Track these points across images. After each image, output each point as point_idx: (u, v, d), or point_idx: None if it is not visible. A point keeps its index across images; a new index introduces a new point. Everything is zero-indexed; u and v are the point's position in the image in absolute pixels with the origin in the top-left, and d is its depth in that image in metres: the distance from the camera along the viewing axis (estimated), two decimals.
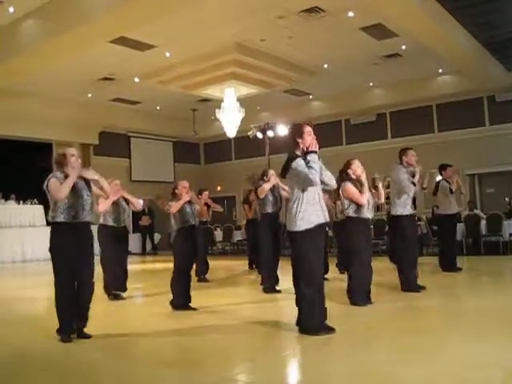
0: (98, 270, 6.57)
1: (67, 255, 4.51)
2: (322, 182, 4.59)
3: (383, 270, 8.56)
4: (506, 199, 15.33)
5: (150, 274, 11.76)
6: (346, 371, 3.55)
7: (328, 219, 4.65)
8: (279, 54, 13.47)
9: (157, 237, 18.93)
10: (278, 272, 7.39)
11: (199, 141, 22.27)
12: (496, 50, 13.30)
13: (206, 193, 9.16)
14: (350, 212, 5.89)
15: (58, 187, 4.48)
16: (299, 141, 4.55)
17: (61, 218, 4.53)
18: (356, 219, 5.88)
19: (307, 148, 4.50)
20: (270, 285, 7.23)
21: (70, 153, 4.70)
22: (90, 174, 4.81)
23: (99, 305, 6.44)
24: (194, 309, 5.99)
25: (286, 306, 5.93)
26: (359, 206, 5.85)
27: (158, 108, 18.67)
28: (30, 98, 15.28)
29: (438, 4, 10.48)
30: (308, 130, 4.56)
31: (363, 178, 5.89)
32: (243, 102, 15.01)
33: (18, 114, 15.43)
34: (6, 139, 15.92)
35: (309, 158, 4.43)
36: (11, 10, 10.68)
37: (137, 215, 16.79)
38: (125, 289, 7.14)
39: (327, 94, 17.38)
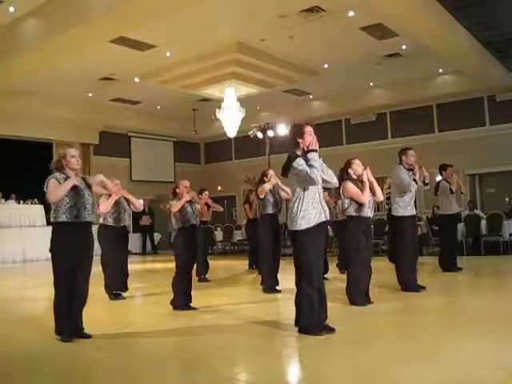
0: (99, 269, 6.61)
1: (68, 255, 4.51)
2: (324, 180, 4.59)
3: (383, 269, 8.56)
4: (506, 199, 15.35)
5: (150, 274, 11.76)
6: (345, 371, 3.55)
7: (328, 218, 4.66)
8: (279, 54, 13.47)
9: (157, 236, 18.95)
10: (279, 272, 7.39)
11: (199, 141, 22.29)
12: (496, 49, 13.29)
13: (207, 193, 9.17)
14: (351, 211, 5.89)
15: (56, 189, 4.47)
16: (300, 141, 4.55)
17: (63, 218, 4.53)
18: (357, 218, 5.88)
19: (307, 147, 4.51)
20: (269, 285, 7.23)
21: (71, 154, 4.70)
22: (95, 181, 4.85)
23: (100, 305, 6.46)
24: (195, 308, 6.00)
25: (286, 306, 5.93)
26: (360, 205, 5.85)
27: (158, 108, 18.68)
28: (30, 97, 15.29)
29: (439, 4, 10.48)
30: (308, 129, 4.56)
31: (369, 174, 5.88)
32: (243, 101, 15.01)
33: (19, 114, 15.44)
34: (6, 139, 15.93)
35: (309, 156, 4.44)
36: (11, 9, 10.70)
37: (137, 215, 16.78)
38: (125, 289, 7.15)
39: (327, 93, 17.38)
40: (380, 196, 6.03)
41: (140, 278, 10.14)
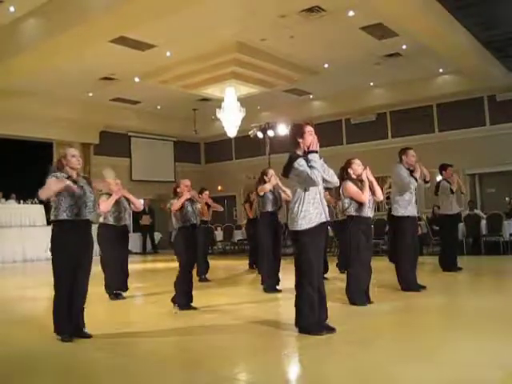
0: (98, 269, 6.61)
1: (68, 253, 4.52)
2: (325, 180, 4.59)
3: (383, 269, 8.56)
4: (507, 199, 15.34)
5: (150, 274, 11.75)
6: (346, 371, 3.56)
7: (329, 218, 4.66)
8: (280, 54, 13.47)
9: (157, 236, 18.95)
10: (280, 271, 7.39)
11: (200, 140, 22.29)
12: (496, 49, 13.28)
13: (207, 192, 9.17)
14: (351, 211, 5.89)
15: (48, 187, 4.48)
16: (300, 140, 4.55)
17: (63, 216, 4.54)
18: (357, 218, 5.88)
19: (308, 147, 4.51)
20: (270, 284, 7.24)
21: (71, 153, 4.71)
22: (98, 184, 4.87)
23: (100, 304, 6.46)
24: (195, 308, 6.00)
25: (286, 306, 5.92)
26: (360, 205, 5.85)
27: (158, 107, 18.68)
28: (31, 97, 15.29)
29: (439, 4, 10.47)
30: (309, 129, 4.55)
31: (368, 174, 5.88)
32: (244, 101, 15.01)
33: (19, 114, 15.43)
34: (7, 138, 15.93)
35: (310, 157, 4.43)
36: (12, 9, 10.70)
37: (137, 214, 16.79)
38: (126, 288, 7.15)
39: (328, 93, 17.38)
40: (380, 196, 6.03)
41: (140, 278, 10.14)
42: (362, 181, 5.88)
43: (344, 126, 18.68)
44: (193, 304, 6.06)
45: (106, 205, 6.57)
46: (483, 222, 12.10)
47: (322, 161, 4.54)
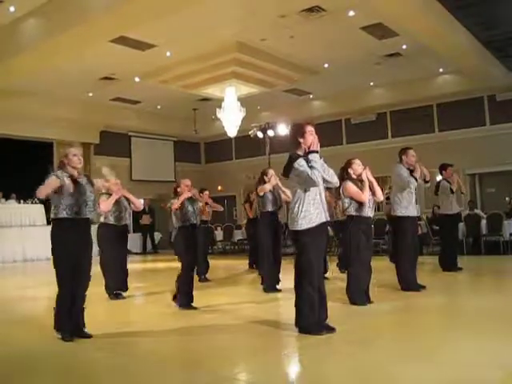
0: (98, 269, 6.61)
1: (69, 250, 4.53)
2: (325, 180, 4.58)
3: (383, 269, 8.56)
4: (507, 199, 15.34)
5: (150, 274, 11.76)
6: (346, 371, 3.56)
7: (329, 218, 4.66)
8: (280, 54, 13.46)
9: (157, 236, 18.95)
10: (280, 271, 7.39)
11: (200, 140, 22.29)
12: (496, 49, 13.28)
13: (207, 192, 9.17)
14: (352, 211, 5.90)
15: (47, 186, 4.50)
16: (301, 140, 4.54)
17: (63, 214, 4.56)
18: (357, 218, 5.88)
19: (309, 148, 4.50)
20: (270, 284, 7.24)
21: (72, 152, 4.74)
22: (98, 184, 4.90)
23: (100, 304, 6.46)
24: (195, 308, 6.00)
25: (286, 306, 5.92)
26: (360, 205, 5.86)
27: (158, 107, 18.67)
28: (31, 97, 15.28)
29: (439, 3, 10.47)
30: (310, 129, 4.54)
31: (368, 174, 5.88)
32: (244, 101, 15.00)
33: (19, 114, 15.42)
34: (7, 138, 15.92)
35: (310, 157, 4.43)
36: (12, 9, 10.69)
37: (137, 214, 16.80)
38: (126, 288, 7.16)
39: (328, 93, 17.38)
40: (380, 196, 6.03)
41: (140, 278, 10.14)
42: (362, 181, 5.88)
43: (344, 125, 18.68)
44: (193, 304, 6.06)
45: (106, 204, 6.57)
46: (483, 222, 12.11)
47: (322, 161, 4.53)
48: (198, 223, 6.38)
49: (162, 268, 12.30)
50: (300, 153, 4.54)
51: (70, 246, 4.54)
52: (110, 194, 6.62)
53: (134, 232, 17.36)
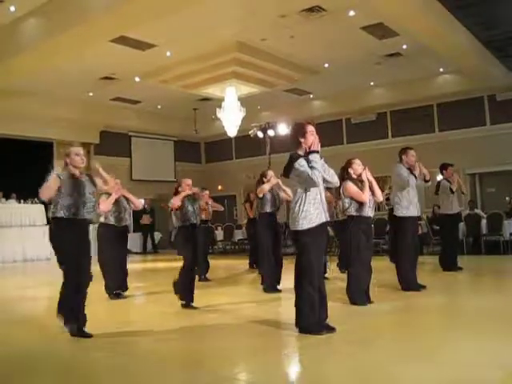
0: (98, 269, 6.61)
1: (67, 249, 4.56)
2: (325, 180, 4.58)
3: (383, 269, 8.56)
4: (507, 199, 15.33)
5: (150, 273, 11.76)
6: (346, 370, 3.56)
7: (329, 218, 4.65)
8: (280, 54, 13.46)
9: (157, 236, 18.95)
10: (281, 271, 7.39)
11: (200, 140, 22.28)
12: (496, 49, 13.28)
13: (207, 192, 9.17)
14: (352, 211, 5.89)
15: (49, 187, 4.52)
16: (302, 140, 4.52)
17: (61, 214, 4.58)
18: (358, 217, 5.88)
19: (309, 147, 4.49)
20: (270, 284, 7.24)
21: (75, 152, 4.74)
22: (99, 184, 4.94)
23: (100, 304, 6.46)
24: (195, 308, 6.00)
25: (286, 306, 5.93)
26: (361, 205, 5.85)
27: (158, 107, 18.67)
28: (31, 97, 15.28)
29: (439, 3, 10.47)
30: (310, 129, 4.53)
31: (368, 174, 5.88)
32: (244, 101, 15.00)
33: (19, 114, 15.42)
34: (7, 138, 15.91)
35: (311, 157, 4.42)
36: (12, 8, 10.69)
37: (137, 214, 16.79)
38: (125, 288, 7.16)
39: (328, 93, 17.37)
40: (379, 196, 6.03)
41: (140, 278, 10.14)
42: (362, 181, 5.88)
43: (344, 125, 18.68)
44: (193, 304, 6.06)
45: (105, 204, 6.59)
46: (483, 222, 12.11)
47: (323, 161, 4.52)
48: (198, 223, 6.38)
49: (162, 268, 12.30)
50: (301, 153, 4.52)
51: (68, 244, 4.56)
52: (110, 194, 6.63)
53: (134, 232, 17.35)
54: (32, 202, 15.49)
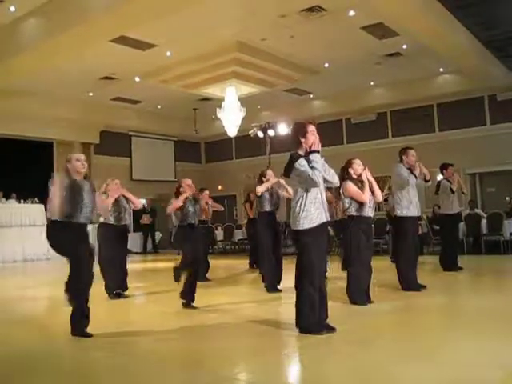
0: (97, 269, 6.60)
1: (68, 245, 4.60)
2: (325, 180, 4.57)
3: (384, 269, 8.56)
4: (507, 198, 15.33)
5: (151, 273, 11.76)
6: (346, 370, 3.55)
7: (329, 218, 4.65)
8: (280, 54, 13.46)
9: (158, 236, 18.94)
10: (281, 270, 7.39)
11: (200, 140, 22.29)
12: (496, 49, 13.28)
13: (207, 192, 9.17)
14: (352, 210, 5.89)
15: (55, 196, 4.54)
16: (302, 140, 4.51)
17: (55, 217, 4.58)
18: (358, 217, 5.88)
19: (310, 147, 4.48)
20: (270, 283, 7.24)
21: (76, 157, 4.75)
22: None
23: (100, 304, 6.45)
24: (195, 308, 6.00)
25: (286, 306, 5.93)
26: (361, 205, 5.85)
27: (158, 107, 18.67)
28: (31, 97, 15.28)
29: (439, 3, 10.47)
30: (311, 129, 4.52)
31: (368, 174, 5.88)
32: (244, 101, 15.00)
33: (19, 114, 15.42)
34: (7, 138, 15.92)
35: (311, 157, 4.41)
36: (12, 8, 10.69)
37: (137, 214, 16.79)
38: (125, 288, 7.15)
39: (328, 93, 17.38)
40: (379, 196, 6.03)
41: (140, 278, 10.14)
42: (362, 181, 5.87)
43: (344, 125, 18.68)
44: (193, 303, 6.06)
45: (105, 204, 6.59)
46: (484, 222, 12.11)
47: (324, 160, 4.52)
48: (197, 223, 6.39)
49: (163, 268, 12.28)
50: (301, 152, 4.51)
51: (66, 244, 4.61)
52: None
53: (134, 231, 17.35)
54: (32, 202, 15.50)
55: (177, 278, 6.07)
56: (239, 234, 16.03)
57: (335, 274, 8.49)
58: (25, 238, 14.80)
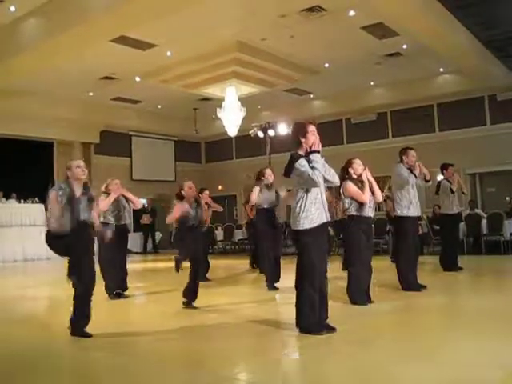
0: (97, 269, 6.60)
1: (65, 247, 4.63)
2: (326, 180, 4.57)
3: (384, 269, 8.56)
4: (507, 198, 15.33)
5: (151, 273, 11.75)
6: (346, 370, 3.55)
7: (329, 218, 4.65)
8: (280, 53, 13.47)
9: (158, 236, 18.94)
10: (280, 269, 7.39)
11: (200, 140, 22.29)
12: (497, 48, 13.28)
13: (207, 192, 9.16)
14: (352, 210, 5.89)
15: (54, 207, 4.61)
16: (302, 140, 4.50)
17: (51, 228, 4.69)
18: (358, 217, 5.87)
19: (310, 147, 4.48)
20: (269, 282, 7.26)
21: (76, 164, 4.76)
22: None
23: (100, 304, 6.44)
24: (196, 308, 6.00)
25: (286, 305, 5.93)
26: (361, 205, 5.85)
27: (159, 107, 18.68)
28: (31, 97, 15.29)
29: (439, 3, 10.47)
30: (312, 129, 4.52)
31: (368, 174, 5.88)
32: (244, 100, 15.01)
33: (19, 114, 15.42)
34: (7, 138, 15.91)
35: (312, 157, 4.40)
36: (12, 8, 10.70)
37: (137, 214, 16.78)
38: (125, 287, 7.15)
39: (328, 93, 17.38)
40: (379, 197, 6.03)
41: (140, 278, 10.14)
42: (362, 181, 5.87)
43: (344, 125, 18.69)
44: (194, 303, 6.06)
45: (104, 204, 6.61)
46: (484, 222, 12.11)
47: (324, 160, 4.51)
48: (196, 224, 6.39)
49: (163, 268, 12.30)
50: (301, 152, 4.51)
51: (64, 246, 4.62)
52: (109, 194, 6.66)
53: (134, 231, 17.35)
54: (32, 202, 15.50)
55: (177, 269, 6.09)
56: (239, 234, 16.03)
57: (335, 274, 8.48)
58: (25, 237, 14.80)
